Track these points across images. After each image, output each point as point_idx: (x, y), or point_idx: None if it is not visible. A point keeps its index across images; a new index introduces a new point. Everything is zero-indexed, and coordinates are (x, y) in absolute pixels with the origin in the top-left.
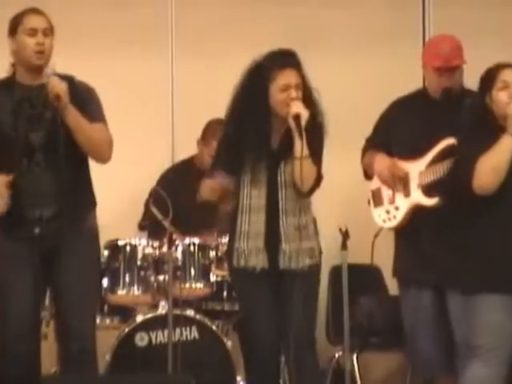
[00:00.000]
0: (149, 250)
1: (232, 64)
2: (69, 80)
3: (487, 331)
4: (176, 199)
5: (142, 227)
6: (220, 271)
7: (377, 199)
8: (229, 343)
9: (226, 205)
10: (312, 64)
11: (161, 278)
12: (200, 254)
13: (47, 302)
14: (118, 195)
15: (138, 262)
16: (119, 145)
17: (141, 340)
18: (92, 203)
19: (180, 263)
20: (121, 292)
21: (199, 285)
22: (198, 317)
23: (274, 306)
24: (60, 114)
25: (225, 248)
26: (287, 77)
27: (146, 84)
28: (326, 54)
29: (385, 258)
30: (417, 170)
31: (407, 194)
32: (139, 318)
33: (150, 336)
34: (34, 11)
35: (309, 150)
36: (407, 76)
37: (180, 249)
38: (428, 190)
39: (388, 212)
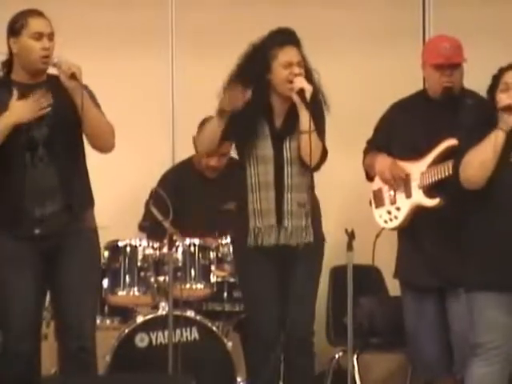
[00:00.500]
0: (149, 251)
1: (232, 64)
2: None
3: (486, 329)
4: (176, 200)
5: (142, 228)
6: (220, 272)
7: (378, 200)
8: (229, 344)
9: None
10: (312, 64)
11: (161, 278)
12: (200, 254)
13: (47, 302)
14: (119, 196)
15: (139, 263)
16: (120, 145)
17: (141, 341)
18: (91, 201)
19: (180, 264)
20: (121, 293)
21: (199, 285)
22: (198, 317)
23: (279, 289)
24: (72, 97)
25: (225, 249)
26: (288, 54)
27: (147, 84)
28: (326, 54)
29: (386, 259)
30: (418, 170)
31: (408, 194)
32: (139, 319)
33: (150, 337)
34: (38, 14)
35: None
36: (407, 76)
37: (180, 250)
38: (429, 190)
39: (389, 212)
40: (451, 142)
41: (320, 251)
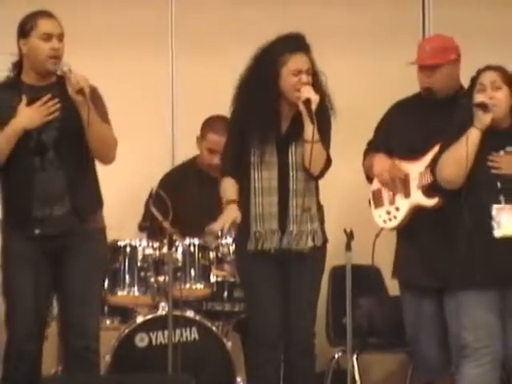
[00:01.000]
0: (149, 251)
1: (232, 64)
2: None
3: (471, 328)
4: (177, 200)
5: (142, 228)
6: (220, 272)
7: (377, 200)
8: (229, 344)
9: None
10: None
11: (161, 278)
12: (200, 254)
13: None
14: (118, 196)
15: (138, 263)
16: (119, 145)
17: (141, 341)
18: (100, 203)
19: (180, 264)
20: (121, 293)
21: (199, 285)
22: (198, 317)
23: (282, 292)
24: (79, 109)
25: (225, 249)
26: (298, 61)
27: (147, 84)
28: (326, 54)
29: (385, 259)
30: (417, 170)
31: (407, 194)
32: (139, 319)
33: (150, 337)
34: (48, 15)
35: (318, 133)
36: (407, 76)
37: (180, 250)
38: (428, 190)
39: (388, 213)
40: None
41: (324, 254)
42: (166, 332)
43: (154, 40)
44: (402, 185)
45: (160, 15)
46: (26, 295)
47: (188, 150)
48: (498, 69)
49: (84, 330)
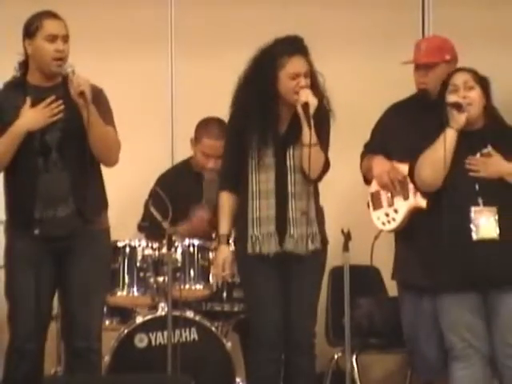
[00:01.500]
0: (148, 252)
1: (232, 64)
2: None
3: (453, 330)
4: (174, 201)
5: (141, 228)
6: None
7: (376, 202)
8: (228, 344)
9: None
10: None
11: (160, 279)
12: (199, 255)
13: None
14: (118, 196)
15: (138, 264)
16: None
17: (140, 341)
18: (105, 204)
19: (179, 264)
20: (120, 293)
21: (199, 286)
22: (197, 318)
23: (282, 293)
24: (81, 112)
25: None
26: (297, 64)
27: (146, 85)
28: (326, 55)
29: (384, 259)
30: None
31: (406, 196)
32: (139, 320)
33: (149, 337)
34: (53, 16)
35: (316, 136)
36: (406, 77)
37: (179, 250)
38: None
39: (387, 215)
40: None
41: (324, 256)
42: (165, 332)
43: (154, 40)
44: (400, 187)
45: (159, 16)
46: (29, 295)
47: (187, 150)
48: (470, 70)
49: (87, 331)
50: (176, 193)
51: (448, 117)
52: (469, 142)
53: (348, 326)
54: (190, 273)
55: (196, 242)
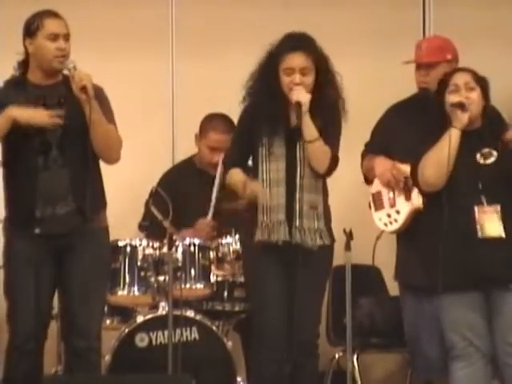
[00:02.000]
0: (149, 251)
1: (232, 63)
2: None
3: (454, 330)
4: (177, 199)
5: (142, 228)
6: (220, 271)
7: (377, 203)
8: (229, 344)
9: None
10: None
11: (161, 278)
12: (200, 254)
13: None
14: (118, 195)
15: (139, 263)
16: None
17: (141, 341)
18: (103, 203)
19: (180, 264)
20: (121, 292)
21: (199, 285)
22: (198, 317)
23: (287, 291)
24: (83, 108)
25: (225, 249)
26: (292, 60)
27: (147, 84)
28: None
29: (385, 259)
30: None
31: (408, 197)
32: (139, 319)
33: (150, 337)
34: (54, 15)
35: (323, 130)
36: (408, 77)
37: (180, 249)
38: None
39: (389, 216)
40: None
41: (331, 255)
42: (166, 332)
43: (155, 40)
44: (402, 187)
45: (160, 15)
46: (28, 295)
47: (188, 149)
48: (470, 70)
49: (86, 330)
50: (178, 192)
51: (450, 116)
52: (468, 142)
53: (349, 325)
54: (190, 272)
55: (197, 241)
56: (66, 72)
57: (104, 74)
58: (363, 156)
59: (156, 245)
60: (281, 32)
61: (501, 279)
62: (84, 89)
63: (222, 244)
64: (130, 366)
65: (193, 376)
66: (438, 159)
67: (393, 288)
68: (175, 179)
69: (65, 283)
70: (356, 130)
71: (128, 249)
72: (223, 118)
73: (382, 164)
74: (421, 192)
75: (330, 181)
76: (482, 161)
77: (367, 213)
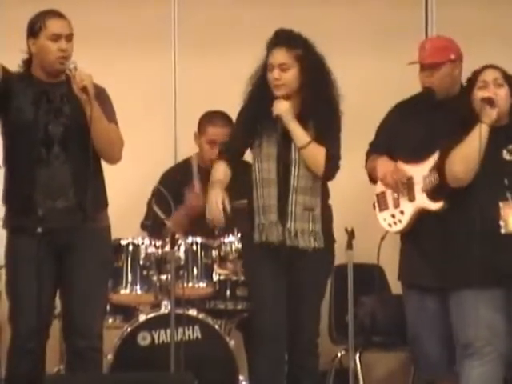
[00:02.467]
0: (151, 250)
1: (234, 63)
2: None
3: (474, 327)
4: (178, 198)
5: (144, 227)
6: (223, 270)
7: (382, 203)
8: (231, 342)
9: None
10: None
11: (163, 277)
12: (202, 253)
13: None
14: (121, 194)
15: (141, 262)
16: None
17: (143, 339)
18: (105, 202)
19: (182, 262)
20: (123, 291)
21: (202, 284)
22: (200, 316)
23: (286, 291)
24: (84, 107)
25: (227, 248)
26: (272, 56)
27: (149, 83)
28: (327, 54)
29: (388, 258)
30: (420, 174)
31: (412, 198)
32: (142, 318)
33: (152, 335)
34: (57, 15)
35: (319, 131)
36: (410, 77)
37: (182, 248)
38: (432, 194)
39: (393, 216)
40: None
41: (330, 255)
42: (168, 330)
43: (157, 39)
44: (405, 188)
45: (163, 14)
46: (30, 294)
47: (190, 148)
48: (499, 68)
49: (88, 330)
50: (179, 191)
51: (479, 112)
52: (494, 138)
53: (352, 324)
54: (193, 271)
55: (199, 240)
56: (67, 72)
57: (106, 73)
58: (368, 155)
59: (158, 244)
60: None
61: None
62: (84, 89)
63: (224, 243)
64: (132, 364)
65: (195, 375)
66: (467, 154)
67: (395, 287)
68: (175, 178)
69: (66, 283)
70: (358, 130)
71: (130, 248)
72: (221, 114)
73: (384, 166)
74: (445, 188)
75: (334, 180)
76: (508, 157)
77: (369, 212)
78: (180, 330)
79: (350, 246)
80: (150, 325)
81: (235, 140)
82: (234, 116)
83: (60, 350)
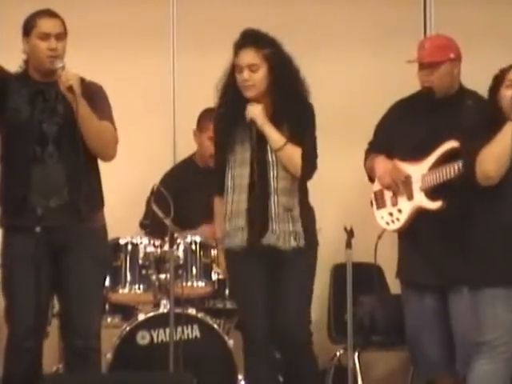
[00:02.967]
0: (150, 249)
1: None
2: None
3: (493, 326)
4: (178, 198)
5: (143, 226)
6: (222, 270)
7: (379, 201)
8: (230, 342)
9: None
10: (313, 63)
11: (162, 276)
12: (201, 252)
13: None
14: (120, 193)
15: (140, 261)
16: (121, 142)
17: (142, 339)
18: (101, 202)
19: (181, 262)
20: (122, 290)
21: (201, 283)
22: (199, 315)
23: (269, 294)
24: (72, 107)
25: None
26: (239, 57)
27: (148, 82)
28: (327, 54)
29: (387, 257)
30: (419, 172)
31: (410, 196)
32: (141, 317)
33: (151, 335)
34: (49, 14)
35: (294, 131)
36: (408, 75)
37: (181, 247)
38: (431, 193)
39: (391, 214)
40: (452, 144)
41: (312, 255)
42: (167, 330)
43: (156, 38)
44: (404, 187)
45: (162, 13)
46: (27, 292)
47: (189, 147)
48: None
49: (85, 330)
50: (180, 190)
51: (506, 110)
52: None
53: (350, 323)
54: (192, 270)
55: (198, 239)
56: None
57: (105, 71)
58: (366, 154)
59: (157, 243)
60: (281, 30)
61: None
62: (70, 88)
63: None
64: (131, 364)
65: (194, 374)
66: (498, 153)
67: (394, 286)
68: (176, 178)
69: (63, 283)
70: (356, 128)
71: (129, 247)
72: None
73: (381, 165)
74: (480, 185)
75: (329, 179)
76: None
77: (368, 211)
78: (179, 329)
79: (348, 245)
80: (149, 324)
81: (220, 169)
82: None
83: (59, 349)
